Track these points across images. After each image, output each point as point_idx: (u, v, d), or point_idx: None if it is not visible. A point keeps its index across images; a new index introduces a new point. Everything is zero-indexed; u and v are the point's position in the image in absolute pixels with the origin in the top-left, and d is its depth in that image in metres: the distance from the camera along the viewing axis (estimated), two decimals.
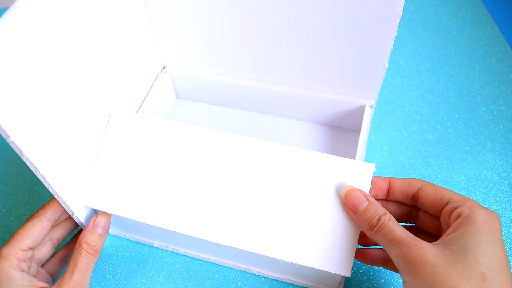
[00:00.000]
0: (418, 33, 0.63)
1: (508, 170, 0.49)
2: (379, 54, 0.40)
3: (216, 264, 0.43)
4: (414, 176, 0.48)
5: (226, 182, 0.36)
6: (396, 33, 0.38)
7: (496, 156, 0.50)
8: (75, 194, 0.37)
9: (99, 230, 0.36)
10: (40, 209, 0.36)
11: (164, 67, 0.52)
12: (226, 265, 0.42)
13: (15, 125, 0.30)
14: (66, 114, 0.36)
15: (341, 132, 0.50)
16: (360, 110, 0.46)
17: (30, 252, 0.34)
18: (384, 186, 0.36)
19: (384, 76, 0.43)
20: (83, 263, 0.34)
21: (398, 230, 0.31)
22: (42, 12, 0.32)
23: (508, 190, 0.47)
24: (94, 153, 0.40)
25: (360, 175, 0.35)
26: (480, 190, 0.47)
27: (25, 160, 0.31)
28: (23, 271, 0.33)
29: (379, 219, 0.32)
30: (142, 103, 0.49)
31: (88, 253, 0.35)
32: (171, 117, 0.54)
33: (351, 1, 0.37)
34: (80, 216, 0.38)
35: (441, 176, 0.48)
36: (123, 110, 0.41)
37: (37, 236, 0.35)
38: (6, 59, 0.29)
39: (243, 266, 0.42)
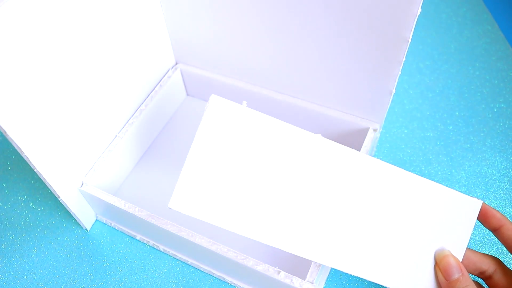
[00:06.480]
0: (418, 31, 0.63)
1: (508, 167, 0.49)
2: (386, 78, 0.39)
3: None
4: (414, 173, 0.48)
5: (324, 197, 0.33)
6: (404, 59, 0.37)
7: (496, 153, 0.50)
8: (63, 177, 0.39)
9: None
10: None
11: (176, 63, 0.52)
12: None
13: (12, 118, 0.32)
14: (72, 106, 0.38)
15: None
16: (363, 133, 0.45)
17: None
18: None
19: (391, 101, 0.41)
20: None
21: None
22: (50, 4, 0.32)
23: (508, 187, 0.47)
24: (93, 143, 0.42)
25: (463, 211, 0.34)
26: (480, 187, 0.48)
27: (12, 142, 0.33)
28: None
29: None
30: (146, 97, 0.49)
31: None
32: (176, 113, 0.55)
33: (361, 23, 0.36)
34: (67, 200, 0.40)
35: (441, 173, 0.49)
36: (222, 98, 0.32)
37: None
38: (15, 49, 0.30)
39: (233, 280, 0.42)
